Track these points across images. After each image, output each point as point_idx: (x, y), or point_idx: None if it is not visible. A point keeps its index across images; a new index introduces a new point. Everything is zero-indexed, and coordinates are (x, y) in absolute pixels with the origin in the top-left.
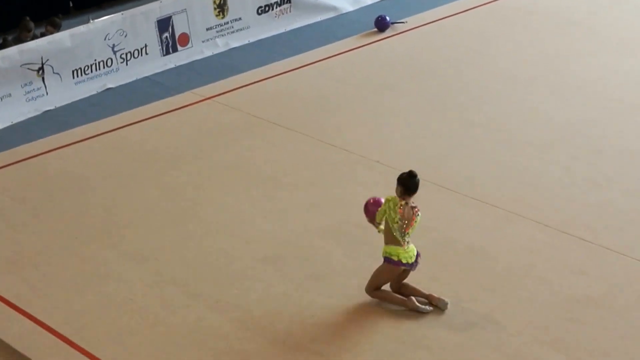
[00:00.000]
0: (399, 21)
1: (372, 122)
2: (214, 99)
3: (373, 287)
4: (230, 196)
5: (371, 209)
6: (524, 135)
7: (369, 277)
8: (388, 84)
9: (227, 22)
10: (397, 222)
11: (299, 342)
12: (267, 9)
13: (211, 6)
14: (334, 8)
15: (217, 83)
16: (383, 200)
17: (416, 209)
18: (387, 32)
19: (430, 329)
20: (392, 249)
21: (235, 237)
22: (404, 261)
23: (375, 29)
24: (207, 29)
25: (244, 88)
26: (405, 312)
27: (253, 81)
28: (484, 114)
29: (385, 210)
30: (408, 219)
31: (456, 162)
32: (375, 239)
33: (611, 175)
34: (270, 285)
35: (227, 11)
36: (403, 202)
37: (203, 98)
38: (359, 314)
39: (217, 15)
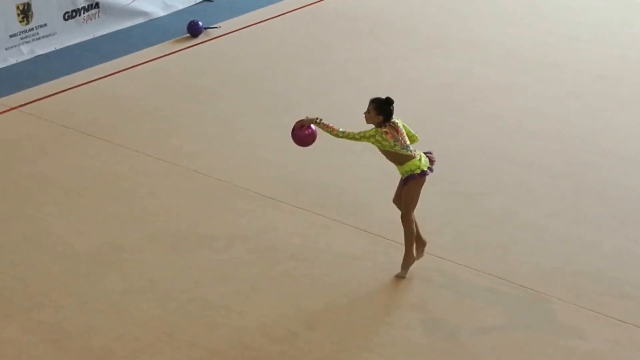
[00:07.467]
0: (212, 26)
1: (189, 130)
2: (19, 108)
3: (411, 210)
4: (39, 210)
5: (298, 133)
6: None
7: (194, 288)
8: (203, 89)
9: (32, 29)
10: (396, 145)
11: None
12: (74, 14)
13: (14, 12)
14: (145, 13)
15: (23, 92)
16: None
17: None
18: (201, 38)
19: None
20: (410, 164)
21: (45, 252)
22: (425, 168)
23: (188, 35)
24: (11, 36)
25: (52, 97)
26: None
27: (61, 89)
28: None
29: (374, 142)
30: (400, 135)
31: (275, 169)
32: (189, 246)
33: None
34: (84, 302)
35: (31, 17)
36: (384, 129)
37: (8, 108)
38: (179, 327)
39: (21, 22)
